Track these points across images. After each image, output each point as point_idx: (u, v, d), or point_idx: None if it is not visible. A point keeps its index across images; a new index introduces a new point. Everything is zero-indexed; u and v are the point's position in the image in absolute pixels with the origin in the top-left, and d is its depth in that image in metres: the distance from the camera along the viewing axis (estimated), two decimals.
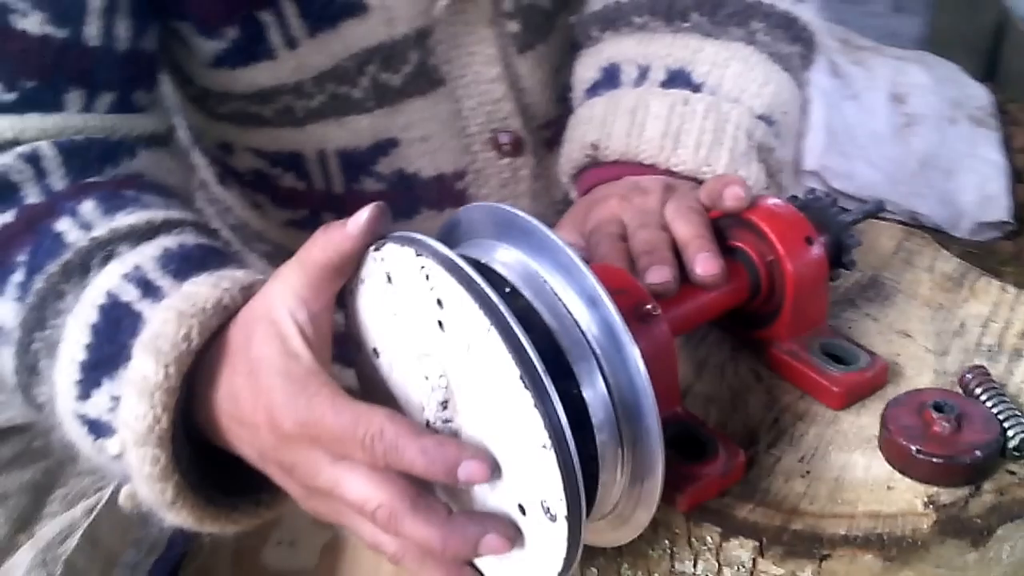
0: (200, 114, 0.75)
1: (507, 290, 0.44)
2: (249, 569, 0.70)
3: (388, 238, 0.45)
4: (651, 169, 0.63)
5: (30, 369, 0.52)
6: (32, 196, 0.55)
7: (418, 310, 0.43)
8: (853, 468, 0.50)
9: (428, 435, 0.42)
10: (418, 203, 0.76)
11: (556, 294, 0.44)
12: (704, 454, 0.49)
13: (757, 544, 0.47)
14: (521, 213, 0.45)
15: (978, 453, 0.48)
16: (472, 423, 0.43)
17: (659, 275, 0.52)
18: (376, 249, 0.45)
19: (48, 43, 0.56)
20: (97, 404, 0.49)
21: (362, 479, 0.43)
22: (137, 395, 0.46)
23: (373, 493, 0.42)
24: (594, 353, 0.43)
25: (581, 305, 0.44)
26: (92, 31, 0.58)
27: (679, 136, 0.63)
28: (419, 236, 0.43)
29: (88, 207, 0.54)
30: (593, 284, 0.43)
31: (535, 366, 0.39)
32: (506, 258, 0.45)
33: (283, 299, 0.45)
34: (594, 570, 0.53)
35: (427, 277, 0.42)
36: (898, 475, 0.49)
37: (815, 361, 0.54)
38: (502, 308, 0.40)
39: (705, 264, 0.53)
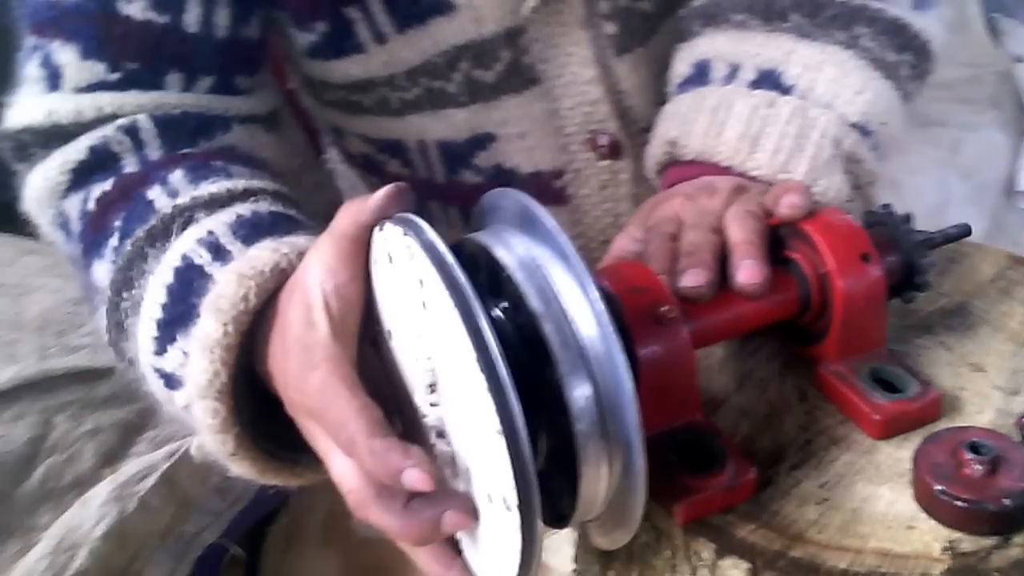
0: (312, 99, 0.79)
1: (505, 274, 0.44)
2: (338, 533, 0.73)
3: (391, 218, 0.46)
4: (728, 171, 0.61)
5: (119, 326, 0.56)
6: (130, 165, 0.60)
7: (409, 290, 0.44)
8: (876, 501, 0.47)
9: (381, 437, 0.42)
10: None
11: (549, 280, 0.44)
12: (711, 467, 0.48)
13: (751, 567, 0.45)
14: (530, 200, 0.45)
15: (1007, 502, 0.43)
16: (452, 408, 0.44)
17: (692, 279, 0.50)
18: (380, 229, 0.46)
19: (150, 28, 0.60)
20: (171, 359, 0.53)
21: (339, 462, 0.44)
22: (200, 351, 0.49)
23: (347, 476, 0.44)
24: (579, 343, 0.43)
25: (574, 294, 0.43)
26: (191, 18, 0.61)
27: (758, 139, 0.60)
28: (413, 217, 0.44)
29: (177, 176, 0.58)
30: (584, 272, 0.43)
31: (490, 349, 0.39)
32: (512, 243, 0.46)
33: (314, 267, 0.46)
34: (612, 572, 0.52)
35: (411, 257, 0.43)
36: (923, 515, 0.45)
37: (860, 385, 0.51)
38: (467, 289, 0.40)
39: (747, 272, 0.51)
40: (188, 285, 0.52)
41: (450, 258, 0.41)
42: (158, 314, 0.53)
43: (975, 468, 0.44)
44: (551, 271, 0.43)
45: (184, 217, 0.55)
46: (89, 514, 0.60)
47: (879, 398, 0.50)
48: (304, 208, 0.61)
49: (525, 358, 0.44)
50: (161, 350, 0.53)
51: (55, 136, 0.61)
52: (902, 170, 1.38)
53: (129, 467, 0.64)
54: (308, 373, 0.44)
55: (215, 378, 0.49)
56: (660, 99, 0.73)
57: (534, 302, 0.43)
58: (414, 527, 0.43)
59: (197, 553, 0.66)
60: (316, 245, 0.48)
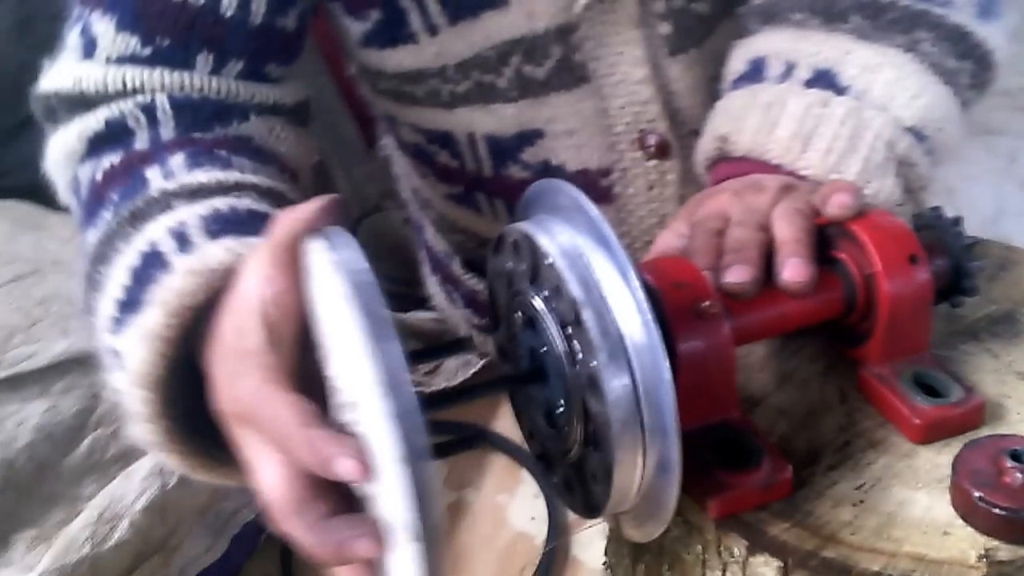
0: (367, 88, 0.80)
1: (547, 262, 0.45)
2: None
3: (319, 232, 0.44)
4: (778, 169, 0.61)
5: (90, 298, 0.56)
6: (141, 143, 0.60)
7: (328, 305, 0.43)
8: (912, 506, 0.46)
9: (318, 428, 0.41)
10: None
11: (591, 270, 0.44)
12: (747, 464, 0.47)
13: (782, 565, 0.45)
14: (574, 191, 0.45)
15: None
16: (365, 428, 0.42)
17: (736, 275, 0.50)
18: (307, 242, 0.45)
19: (186, 7, 0.61)
20: (122, 342, 0.52)
21: (267, 469, 0.42)
22: (140, 339, 0.49)
23: (271, 484, 0.42)
24: (619, 332, 0.43)
25: (616, 284, 0.43)
26: (228, 1, 0.62)
27: (810, 139, 0.60)
28: (336, 233, 0.43)
29: (177, 160, 0.58)
30: (626, 262, 0.43)
31: (391, 376, 0.38)
32: (555, 232, 0.46)
33: (252, 275, 0.45)
34: (643, 565, 0.52)
35: (329, 273, 0.42)
36: (960, 522, 0.45)
37: (902, 388, 0.50)
38: (377, 313, 0.39)
39: (793, 269, 0.51)
40: (149, 271, 0.52)
41: (365, 277, 0.40)
42: (119, 294, 0.53)
43: (1016, 476, 0.44)
44: (593, 260, 0.44)
45: (165, 202, 0.55)
46: (132, 487, 0.61)
47: (920, 402, 0.50)
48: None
49: (565, 346, 0.44)
50: (116, 330, 0.53)
51: (79, 103, 0.62)
52: (958, 178, 1.36)
53: None
54: (239, 380, 0.43)
55: (151, 368, 0.48)
56: (712, 101, 0.73)
57: (575, 289, 0.43)
58: (327, 545, 0.41)
59: (234, 531, 0.67)
60: (256, 252, 0.46)
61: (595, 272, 0.44)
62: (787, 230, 0.52)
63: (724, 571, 0.47)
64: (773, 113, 0.62)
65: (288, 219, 0.45)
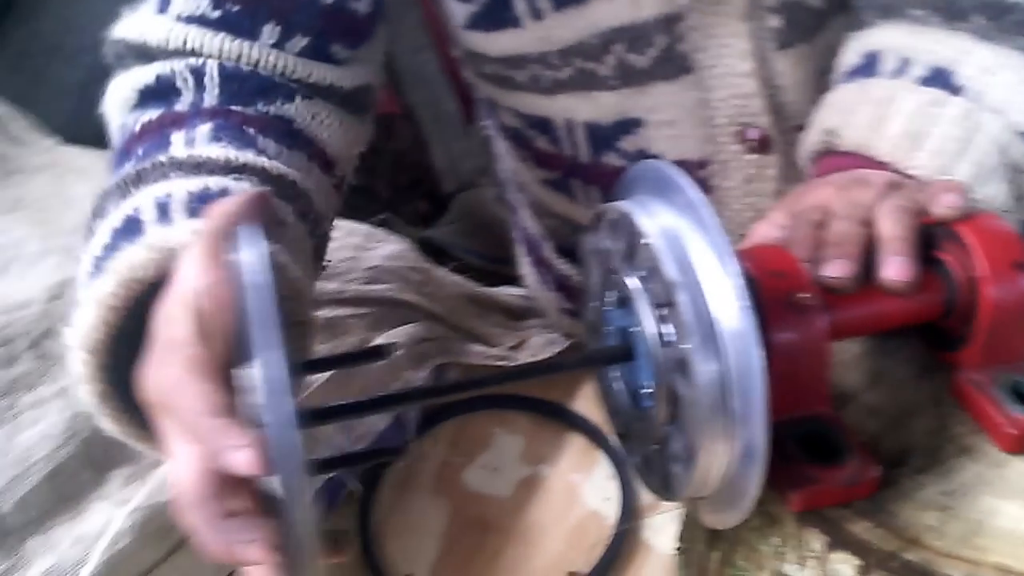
0: (469, 72, 0.80)
1: (643, 242, 0.45)
2: (449, 483, 0.75)
3: (240, 228, 0.45)
4: (885, 167, 0.60)
5: (81, 250, 0.56)
6: (181, 104, 0.61)
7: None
8: (1001, 516, 0.45)
9: (222, 419, 0.41)
10: None
11: (688, 252, 0.44)
12: (834, 460, 0.47)
13: (862, 564, 0.44)
14: (676, 172, 0.45)
15: None
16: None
17: (835, 269, 0.50)
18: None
19: None
20: (84, 298, 0.52)
21: (180, 459, 0.43)
22: (90, 301, 0.49)
23: (179, 476, 0.42)
24: (712, 317, 0.43)
25: (712, 268, 0.43)
26: None
27: (921, 138, 0.59)
28: (249, 232, 0.43)
29: (203, 129, 0.58)
30: (725, 246, 0.43)
31: (278, 383, 0.38)
32: (654, 212, 0.46)
33: (187, 265, 0.45)
34: (718, 553, 0.52)
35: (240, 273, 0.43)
36: None
37: (997, 396, 0.49)
38: (268, 323, 0.38)
39: (895, 268, 0.50)
40: (123, 236, 0.52)
41: (259, 279, 0.40)
42: (97, 252, 0.53)
43: None
44: (692, 243, 0.44)
45: (166, 171, 0.55)
46: None
47: (1016, 411, 0.48)
48: (317, 202, 0.60)
49: (657, 327, 0.45)
50: (85, 286, 0.53)
51: (142, 54, 0.63)
52: None
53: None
54: (162, 368, 0.44)
55: (92, 332, 0.49)
56: (820, 96, 0.72)
57: (671, 271, 0.43)
58: (218, 544, 0.41)
59: (318, 485, 0.69)
60: (194, 242, 0.46)
61: (692, 255, 0.44)
62: (891, 227, 0.52)
63: (802, 565, 0.47)
64: (884, 109, 0.60)
65: (214, 212, 0.45)
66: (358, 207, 1.11)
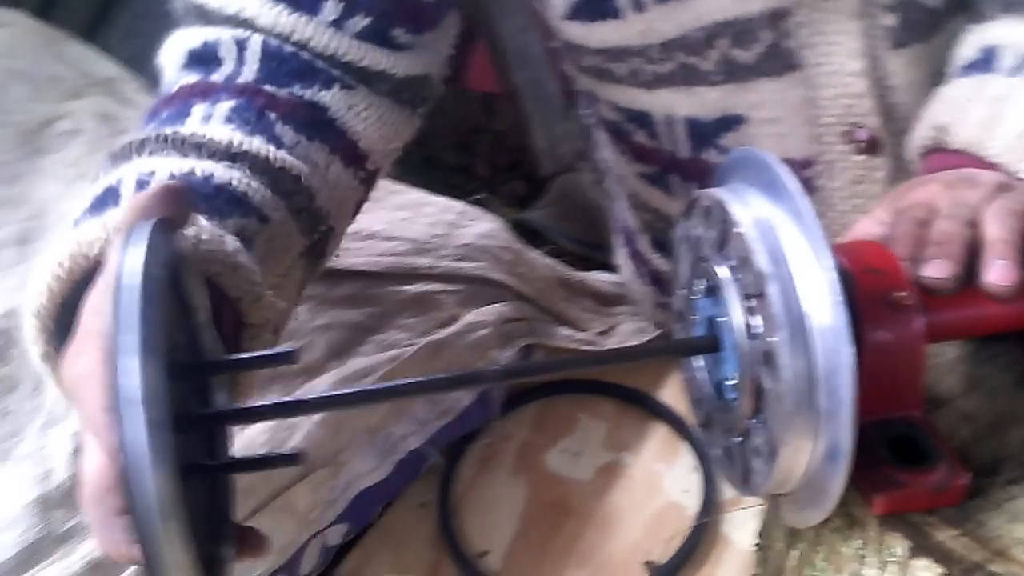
0: (569, 64, 0.79)
1: (736, 231, 0.44)
2: (530, 464, 0.76)
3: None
4: (996, 168, 0.57)
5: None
6: (219, 75, 0.60)
7: None
8: None
9: (106, 402, 0.39)
10: None
11: (782, 243, 0.43)
12: (922, 464, 0.46)
13: (945, 573, 0.43)
14: (775, 161, 0.45)
15: None
16: None
17: (936, 269, 0.48)
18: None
19: None
20: None
21: (87, 450, 0.42)
22: (44, 267, 0.49)
23: (82, 468, 0.42)
24: (803, 310, 0.42)
25: (807, 261, 0.42)
26: None
27: None
28: (144, 229, 0.41)
29: (223, 107, 0.58)
30: (820, 239, 0.42)
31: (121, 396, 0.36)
32: (749, 201, 0.45)
33: (115, 252, 0.44)
34: (797, 552, 0.52)
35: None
36: None
37: None
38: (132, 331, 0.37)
39: (999, 272, 0.48)
40: (98, 206, 0.52)
41: (131, 281, 0.38)
42: (77, 215, 0.53)
43: None
44: (786, 234, 0.43)
45: (165, 145, 0.55)
46: None
47: None
48: (323, 198, 0.59)
49: (745, 318, 0.44)
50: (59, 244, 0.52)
51: (198, 14, 0.63)
52: None
53: (354, 363, 0.69)
54: (77, 359, 0.43)
55: (37, 296, 0.49)
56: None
57: (763, 262, 0.42)
58: (105, 540, 0.41)
59: (400, 456, 0.70)
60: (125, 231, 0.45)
61: (786, 246, 0.43)
62: (997, 229, 0.50)
63: (882, 570, 0.46)
64: (999, 108, 0.58)
65: (133, 202, 0.44)
66: (456, 186, 1.12)
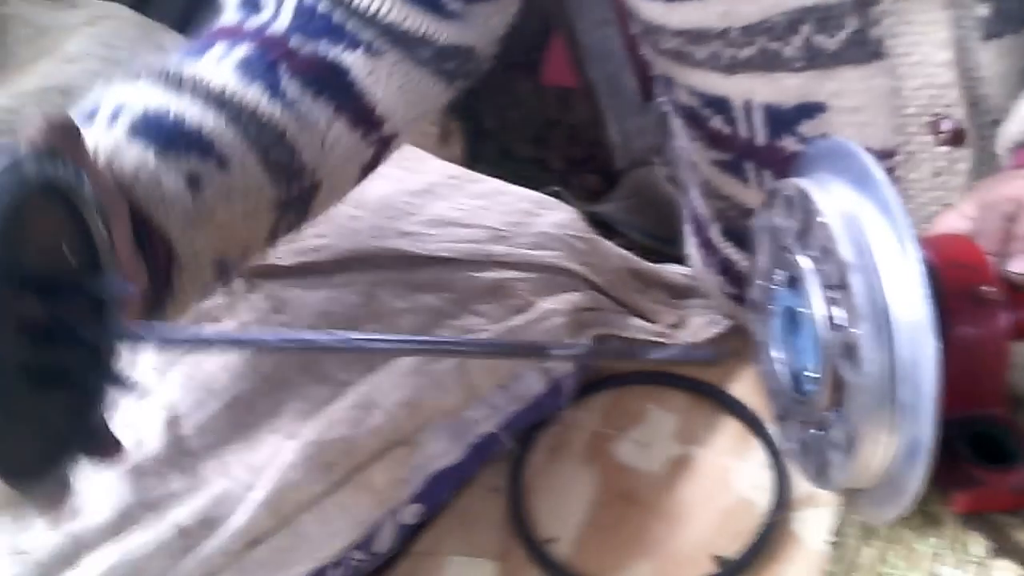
0: (648, 48, 0.79)
1: (819, 220, 0.44)
2: (599, 453, 0.76)
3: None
4: None
5: None
6: (253, 21, 0.62)
7: None
8: None
9: None
10: None
11: (866, 233, 0.43)
12: (1005, 463, 0.45)
13: None
14: (861, 150, 0.44)
15: None
16: None
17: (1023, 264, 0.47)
18: None
19: None
20: None
21: None
22: None
23: None
24: (886, 302, 0.42)
25: (892, 252, 0.42)
26: None
27: None
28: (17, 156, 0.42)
29: (240, 52, 0.60)
30: (907, 230, 0.41)
31: None
32: (833, 190, 0.45)
33: None
34: (872, 550, 0.51)
35: None
36: None
37: None
38: None
39: None
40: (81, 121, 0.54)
41: None
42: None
43: None
44: (871, 225, 0.43)
45: (162, 79, 0.57)
46: (392, 380, 0.65)
47: None
48: (308, 157, 0.61)
49: (827, 309, 0.44)
50: None
51: None
52: None
53: None
54: None
55: None
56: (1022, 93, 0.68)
57: (846, 252, 0.42)
58: None
59: (474, 439, 0.71)
60: None
61: (871, 237, 0.43)
62: None
63: (961, 570, 0.45)
64: None
65: (27, 127, 0.45)
66: (530, 178, 1.13)
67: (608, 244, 0.86)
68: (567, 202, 0.95)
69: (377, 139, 0.66)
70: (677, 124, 0.88)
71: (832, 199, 0.44)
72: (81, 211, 0.45)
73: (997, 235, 0.50)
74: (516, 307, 0.74)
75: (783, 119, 0.73)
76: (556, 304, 0.75)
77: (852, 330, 0.42)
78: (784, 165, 0.74)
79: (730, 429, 0.77)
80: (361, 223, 0.74)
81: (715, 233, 0.89)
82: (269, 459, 0.60)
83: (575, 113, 1.57)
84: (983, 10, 0.65)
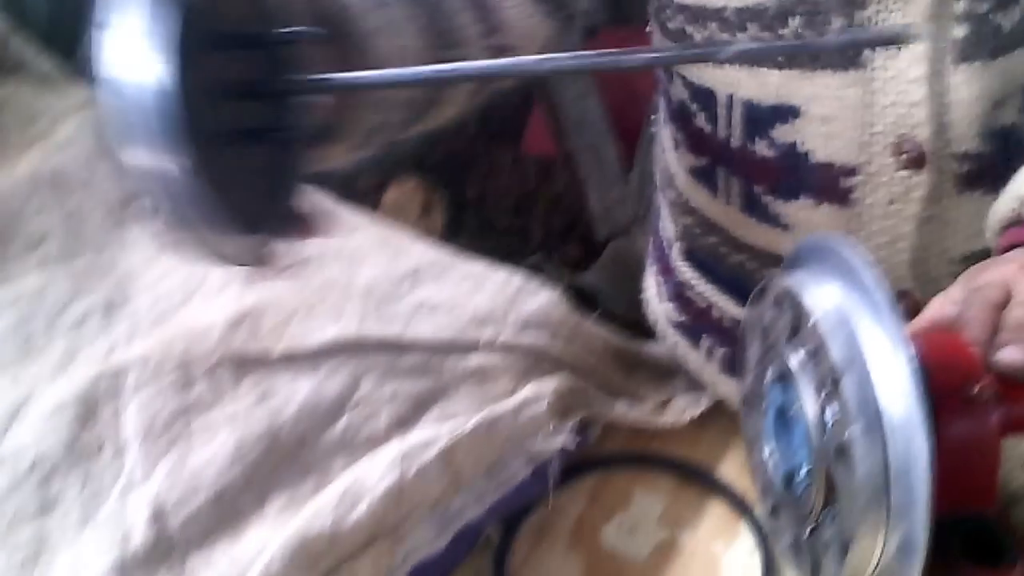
0: (656, 29, 0.81)
1: (810, 320, 0.44)
2: (585, 539, 0.75)
3: None
4: None
5: None
6: None
7: None
8: None
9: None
10: (800, 187, 0.74)
11: (857, 334, 0.43)
12: (997, 563, 0.45)
13: None
14: (851, 247, 0.45)
15: None
16: None
17: (1015, 354, 0.47)
18: None
19: None
20: None
21: None
22: None
23: None
24: (878, 404, 0.42)
25: (883, 353, 0.42)
26: None
27: None
28: None
29: None
30: (898, 333, 0.42)
31: None
32: (824, 289, 0.45)
33: None
34: None
35: None
36: None
37: None
38: None
39: None
40: None
41: None
42: None
43: None
44: (862, 324, 0.43)
45: None
46: (375, 471, 0.65)
47: None
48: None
49: (818, 410, 0.44)
50: None
51: None
52: None
53: (417, 435, 0.69)
54: None
55: None
56: (992, 131, 0.69)
57: (837, 352, 0.42)
58: None
59: (458, 527, 0.70)
60: None
61: (862, 336, 0.43)
62: None
63: None
64: None
65: None
66: (512, 248, 1.14)
67: (592, 326, 0.86)
68: (549, 272, 0.96)
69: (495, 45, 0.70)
70: (664, 135, 0.90)
71: (822, 298, 0.44)
72: None
73: (985, 323, 0.50)
74: (499, 393, 0.74)
75: (759, 118, 0.75)
76: (539, 389, 0.75)
77: (845, 431, 0.42)
78: (753, 174, 0.77)
79: (717, 511, 0.77)
80: (347, 309, 0.74)
81: (676, 253, 0.91)
82: (255, 553, 0.59)
83: (556, 183, 1.58)
84: (960, 31, 0.66)
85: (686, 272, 0.89)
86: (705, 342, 0.89)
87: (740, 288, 0.85)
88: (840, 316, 0.43)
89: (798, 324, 0.46)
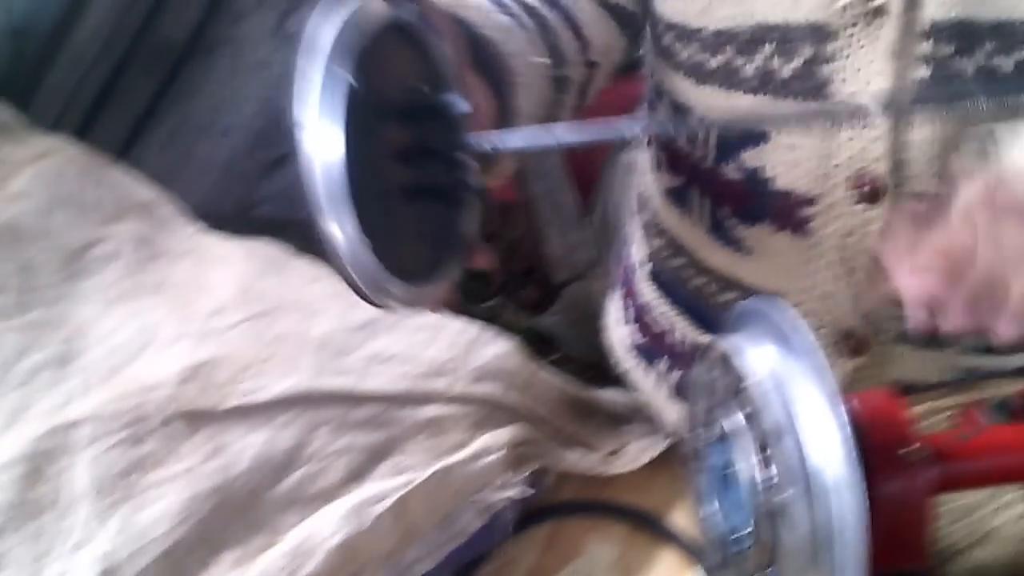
0: (648, 51, 0.83)
1: (751, 382, 0.45)
2: None
3: None
4: None
5: None
6: None
7: None
8: None
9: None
10: (762, 213, 0.76)
11: (791, 398, 0.44)
12: None
13: None
14: (788, 311, 0.46)
15: None
16: None
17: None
18: None
19: None
20: None
21: None
22: None
23: None
24: (813, 466, 0.43)
25: (818, 416, 0.44)
26: None
27: None
28: None
29: None
30: (834, 397, 0.43)
31: None
32: (761, 352, 0.46)
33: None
34: None
35: None
36: None
37: None
38: None
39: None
40: None
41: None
42: None
43: None
44: (799, 388, 0.44)
45: None
46: (328, 525, 0.65)
47: None
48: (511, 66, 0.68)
49: (758, 470, 0.45)
50: None
51: None
52: None
53: (370, 488, 0.69)
54: None
55: None
56: (943, 168, 0.70)
57: (774, 415, 0.44)
58: None
59: None
60: None
61: (796, 401, 0.44)
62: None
63: None
64: None
65: None
66: (471, 291, 1.14)
67: (547, 375, 0.87)
68: (506, 315, 0.96)
69: (587, 61, 0.77)
70: (644, 158, 0.91)
71: (759, 362, 0.46)
72: (423, 42, 0.52)
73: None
74: (453, 444, 0.74)
75: (730, 141, 0.77)
76: (493, 440, 0.75)
77: (781, 492, 0.43)
78: (720, 195, 0.79)
79: (669, 559, 0.77)
80: (302, 361, 0.74)
81: (641, 277, 0.92)
82: None
83: (514, 227, 1.59)
84: (922, 71, 0.68)
85: (648, 294, 0.90)
86: (660, 365, 0.90)
87: (699, 312, 0.87)
88: (776, 380, 0.45)
89: (738, 385, 0.47)
